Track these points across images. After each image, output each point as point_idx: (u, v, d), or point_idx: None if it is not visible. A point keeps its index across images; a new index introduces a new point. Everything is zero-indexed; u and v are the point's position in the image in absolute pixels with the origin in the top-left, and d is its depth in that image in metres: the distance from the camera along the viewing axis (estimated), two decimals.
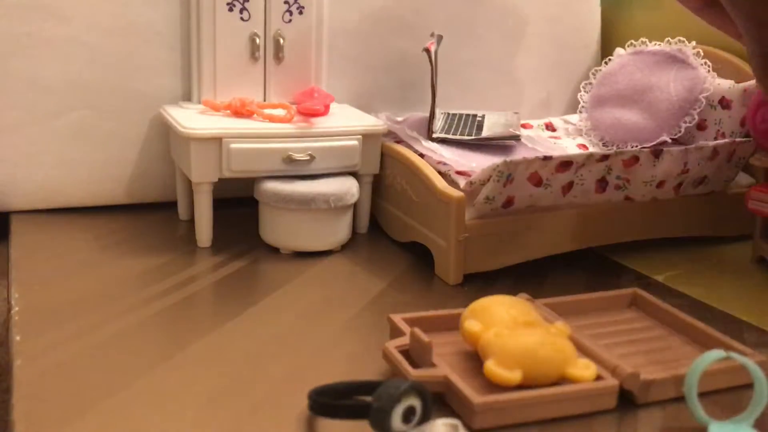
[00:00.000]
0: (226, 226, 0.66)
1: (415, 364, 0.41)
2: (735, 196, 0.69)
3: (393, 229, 0.67)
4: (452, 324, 0.46)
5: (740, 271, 0.64)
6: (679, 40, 0.77)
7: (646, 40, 0.79)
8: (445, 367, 0.41)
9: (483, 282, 0.58)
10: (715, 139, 0.73)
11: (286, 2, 0.69)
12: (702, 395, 0.39)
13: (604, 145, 0.74)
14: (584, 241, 0.63)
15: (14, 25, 0.64)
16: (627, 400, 0.41)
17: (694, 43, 0.76)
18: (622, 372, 0.41)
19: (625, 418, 0.40)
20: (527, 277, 0.60)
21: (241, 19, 0.68)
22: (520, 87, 0.87)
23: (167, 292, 0.54)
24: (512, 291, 0.57)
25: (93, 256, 0.60)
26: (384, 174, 0.68)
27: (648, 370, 0.42)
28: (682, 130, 0.72)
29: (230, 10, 0.67)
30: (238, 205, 0.69)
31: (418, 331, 0.41)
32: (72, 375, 0.42)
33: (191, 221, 0.67)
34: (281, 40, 0.69)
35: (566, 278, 0.61)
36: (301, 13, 0.70)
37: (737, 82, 0.73)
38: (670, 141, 0.72)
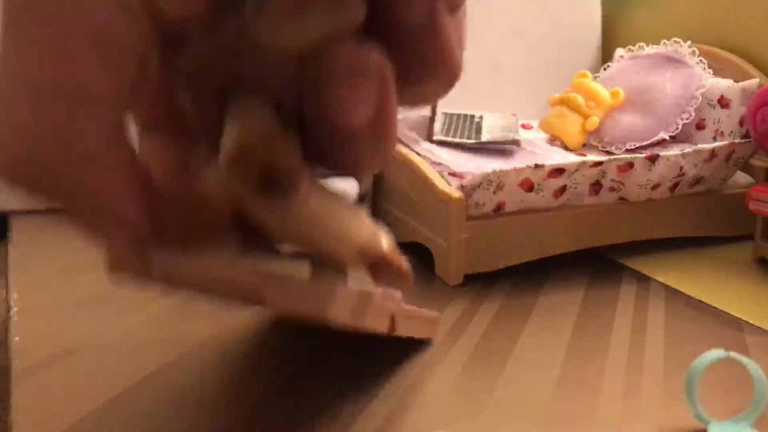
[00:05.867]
0: None
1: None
2: (735, 196, 0.69)
3: (393, 229, 0.67)
4: None
5: (740, 271, 0.64)
6: (675, 41, 0.77)
7: (644, 44, 0.80)
8: None
9: (483, 282, 0.58)
10: (714, 138, 0.73)
11: None
12: (702, 395, 0.39)
13: (603, 147, 0.74)
14: (584, 241, 0.63)
15: None
16: None
17: (689, 42, 0.76)
18: None
19: None
20: (528, 278, 0.60)
21: None
22: (520, 87, 0.87)
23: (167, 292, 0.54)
24: (513, 291, 0.57)
25: (92, 257, 0.60)
26: (384, 174, 0.68)
27: None
28: (680, 126, 0.72)
29: None
30: None
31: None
32: (71, 376, 0.42)
33: None
34: None
35: (567, 279, 0.61)
36: None
37: (736, 81, 0.73)
38: (668, 138, 0.72)
